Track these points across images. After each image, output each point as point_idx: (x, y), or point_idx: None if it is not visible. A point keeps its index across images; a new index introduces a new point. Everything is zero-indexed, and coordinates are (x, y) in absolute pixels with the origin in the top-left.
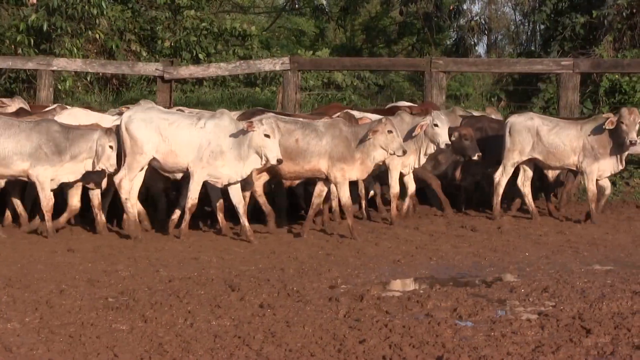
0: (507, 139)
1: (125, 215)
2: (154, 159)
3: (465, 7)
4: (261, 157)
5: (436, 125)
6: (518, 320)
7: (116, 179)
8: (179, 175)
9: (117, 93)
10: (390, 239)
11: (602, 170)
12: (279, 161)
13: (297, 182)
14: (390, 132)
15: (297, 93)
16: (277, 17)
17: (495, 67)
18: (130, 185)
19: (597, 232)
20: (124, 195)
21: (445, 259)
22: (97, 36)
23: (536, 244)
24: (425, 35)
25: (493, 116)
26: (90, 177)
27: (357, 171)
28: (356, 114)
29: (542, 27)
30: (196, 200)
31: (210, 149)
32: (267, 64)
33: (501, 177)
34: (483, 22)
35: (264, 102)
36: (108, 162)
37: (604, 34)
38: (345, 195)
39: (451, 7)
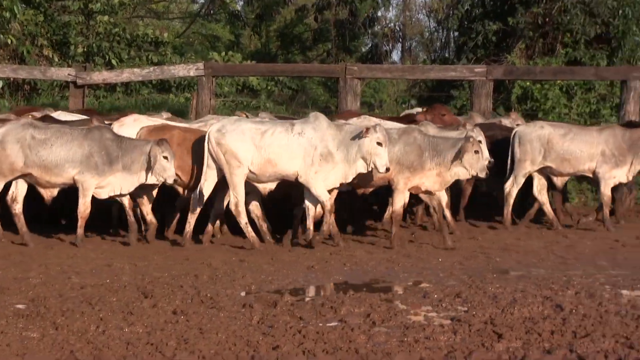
0: (517, 150)
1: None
2: (249, 170)
3: (379, 14)
4: (367, 164)
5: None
6: (431, 325)
7: (232, 206)
8: (274, 185)
9: (28, 99)
10: (304, 245)
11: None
12: (387, 169)
13: (370, 190)
14: (476, 152)
15: (211, 99)
16: (192, 22)
17: (409, 74)
18: (243, 207)
19: (509, 238)
20: (243, 220)
21: (359, 265)
22: (9, 41)
23: (449, 249)
24: (339, 42)
25: (519, 122)
26: (144, 190)
27: (434, 183)
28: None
29: (456, 34)
30: (329, 204)
31: (318, 152)
32: (182, 70)
33: (512, 188)
34: (397, 29)
35: (177, 108)
36: (165, 174)
37: (516, 42)
38: (399, 203)
39: (366, 14)
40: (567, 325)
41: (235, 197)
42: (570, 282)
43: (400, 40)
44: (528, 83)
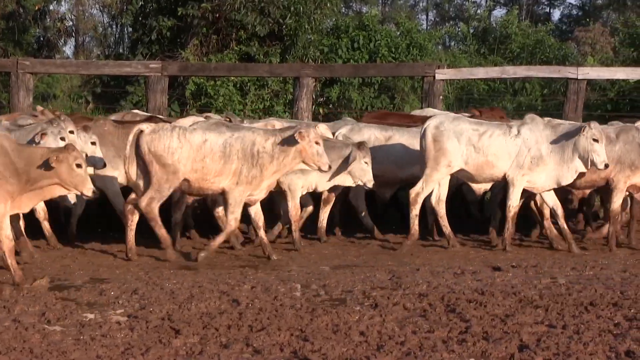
0: None
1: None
2: (462, 170)
3: (52, 7)
4: (586, 162)
5: (596, 140)
6: (108, 323)
7: (412, 192)
8: (489, 186)
9: None
10: None
11: None
12: (606, 166)
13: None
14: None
15: None
16: None
17: (83, 69)
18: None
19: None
20: (415, 211)
21: (34, 263)
22: None
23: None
24: (9, 35)
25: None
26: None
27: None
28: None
29: (130, 29)
30: (517, 208)
31: (530, 155)
32: None
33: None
34: (70, 23)
35: None
36: (365, 177)
37: (191, 38)
38: (618, 202)
39: (37, 7)
40: (244, 320)
41: (422, 188)
42: (246, 277)
43: (74, 34)
44: (202, 79)
